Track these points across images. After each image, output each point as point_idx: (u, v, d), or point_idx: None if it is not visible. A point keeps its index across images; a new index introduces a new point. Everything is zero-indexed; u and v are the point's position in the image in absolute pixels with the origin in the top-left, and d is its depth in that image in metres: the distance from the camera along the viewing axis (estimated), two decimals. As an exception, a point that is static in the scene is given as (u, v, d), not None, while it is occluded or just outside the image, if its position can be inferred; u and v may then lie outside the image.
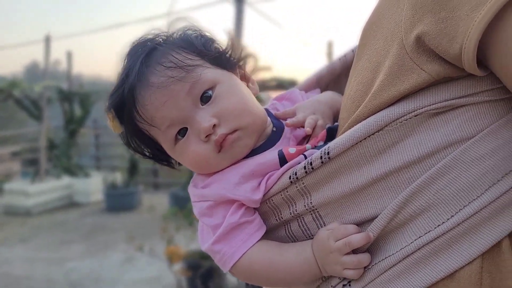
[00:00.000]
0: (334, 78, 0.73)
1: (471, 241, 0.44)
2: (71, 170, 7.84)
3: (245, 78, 0.67)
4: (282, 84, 6.38)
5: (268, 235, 0.58)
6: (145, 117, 0.58)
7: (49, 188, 7.31)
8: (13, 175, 9.36)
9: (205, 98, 0.58)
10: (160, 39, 0.62)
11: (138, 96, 0.58)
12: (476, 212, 0.44)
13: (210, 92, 0.58)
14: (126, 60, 0.61)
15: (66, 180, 7.64)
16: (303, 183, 0.52)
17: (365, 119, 0.48)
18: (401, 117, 0.46)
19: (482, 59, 0.42)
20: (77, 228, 6.14)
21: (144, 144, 0.64)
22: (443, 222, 0.45)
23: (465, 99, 0.45)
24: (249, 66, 0.67)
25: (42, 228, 6.17)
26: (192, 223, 3.75)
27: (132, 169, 7.41)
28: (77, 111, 8.01)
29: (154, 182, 8.98)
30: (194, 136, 0.58)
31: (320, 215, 0.52)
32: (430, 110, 0.45)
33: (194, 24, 0.64)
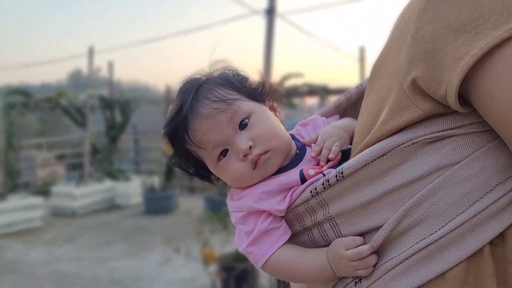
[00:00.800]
0: (352, 104, 0.83)
1: (458, 247, 0.53)
2: (113, 174, 8.19)
3: (273, 108, 0.81)
4: (314, 90, 6.46)
5: (294, 238, 0.71)
6: (195, 141, 0.71)
7: (93, 191, 7.69)
8: (58, 179, 9.88)
9: (242, 125, 0.72)
10: (204, 78, 0.77)
11: (190, 124, 0.70)
12: (462, 224, 0.52)
13: (246, 120, 0.72)
14: (179, 96, 0.76)
15: (108, 183, 8.02)
16: (322, 196, 0.64)
17: (372, 145, 0.59)
18: (401, 144, 0.56)
19: (466, 99, 0.53)
20: (118, 229, 6.45)
21: (191, 164, 0.78)
22: (435, 231, 0.54)
23: (453, 130, 0.54)
24: (275, 99, 0.81)
25: (86, 228, 6.52)
26: (226, 226, 3.86)
27: (169, 173, 7.64)
28: (118, 117, 8.38)
29: (190, 185, 9.21)
30: (234, 156, 0.71)
31: (336, 223, 0.64)
32: (424, 139, 0.55)
33: (231, 65, 0.79)
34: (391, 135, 0.57)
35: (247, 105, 0.73)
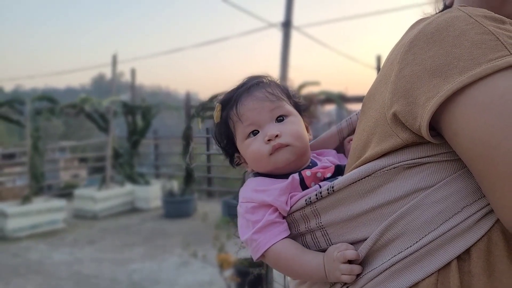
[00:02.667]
0: (353, 128, 0.91)
1: (430, 261, 0.59)
2: (133, 178, 8.36)
3: (307, 126, 0.92)
4: (331, 98, 6.50)
5: None
6: (238, 112, 0.83)
7: (114, 194, 7.88)
8: (81, 181, 10.12)
9: (279, 119, 0.84)
10: (269, 79, 0.90)
11: (242, 99, 0.84)
12: (433, 240, 0.59)
13: (283, 117, 0.84)
14: (242, 82, 0.89)
15: (128, 187, 8.19)
16: (315, 206, 0.72)
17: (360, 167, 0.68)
18: (384, 168, 0.63)
19: (439, 131, 0.60)
20: (138, 232, 6.59)
21: (225, 136, 0.89)
22: (411, 246, 0.60)
23: (429, 158, 0.61)
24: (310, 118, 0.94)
25: (107, 231, 6.68)
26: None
27: (188, 178, 7.73)
28: (140, 122, 8.55)
29: (208, 190, 9.30)
30: (261, 138, 0.81)
31: (327, 232, 0.72)
32: (404, 164, 0.62)
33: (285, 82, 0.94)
34: (376, 159, 0.65)
35: (289, 108, 0.86)
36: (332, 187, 0.68)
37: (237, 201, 0.85)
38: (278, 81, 0.90)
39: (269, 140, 0.80)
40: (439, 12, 0.70)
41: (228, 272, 3.68)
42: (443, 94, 0.55)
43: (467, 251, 0.59)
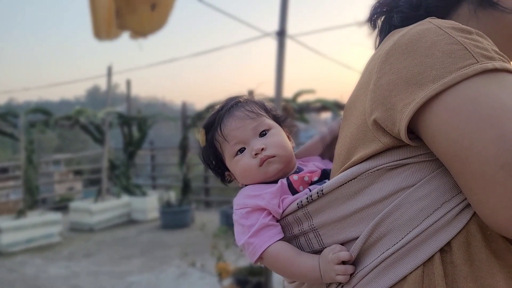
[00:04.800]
0: (334, 135, 0.97)
1: (416, 255, 0.65)
2: (130, 190, 8.32)
3: (288, 136, 0.97)
4: (326, 105, 6.52)
5: None
6: (223, 133, 0.88)
7: (110, 206, 7.82)
8: (76, 194, 10.05)
9: (262, 134, 0.89)
10: (246, 97, 0.95)
11: (224, 120, 0.89)
12: (417, 235, 0.64)
13: (266, 131, 0.89)
14: (222, 103, 0.94)
15: (125, 198, 8.14)
16: (307, 209, 0.76)
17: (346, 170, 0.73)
18: (368, 170, 0.69)
19: (417, 135, 0.65)
20: (136, 244, 6.54)
21: (213, 157, 0.94)
22: (397, 242, 0.66)
23: (409, 159, 0.67)
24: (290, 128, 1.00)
25: (104, 243, 6.63)
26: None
27: (185, 188, 7.73)
28: (136, 134, 8.54)
29: (206, 200, 9.29)
30: (248, 154, 0.86)
31: (319, 234, 0.75)
32: (386, 166, 0.67)
33: (262, 98, 1.00)
34: (360, 162, 0.70)
35: (269, 121, 0.91)
36: (322, 190, 0.72)
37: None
38: (254, 99, 0.96)
39: (256, 154, 0.85)
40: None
41: (227, 281, 3.67)
42: (419, 101, 0.60)
43: (449, 244, 0.63)
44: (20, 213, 6.64)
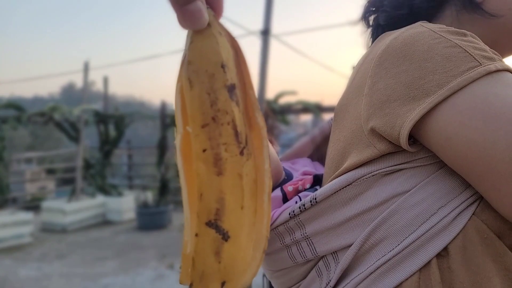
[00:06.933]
0: (326, 137, 0.95)
1: (412, 261, 0.63)
2: (105, 189, 8.15)
3: (270, 139, 0.89)
4: (308, 108, 6.54)
5: (275, 254, 0.79)
6: None
7: (85, 207, 7.62)
8: (48, 194, 9.78)
9: None
10: None
11: None
12: (413, 241, 0.63)
13: None
14: None
15: (100, 199, 7.95)
16: (299, 218, 0.73)
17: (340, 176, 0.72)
18: (363, 176, 0.67)
19: (416, 140, 0.64)
20: (111, 245, 6.39)
21: None
22: (393, 249, 0.65)
23: (404, 165, 0.66)
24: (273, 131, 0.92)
25: (77, 245, 6.45)
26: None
27: (163, 188, 7.63)
28: (112, 132, 8.38)
29: (183, 201, 9.17)
30: None
31: (312, 242, 0.73)
32: (381, 172, 0.66)
33: None
34: (355, 168, 0.69)
35: None
36: (315, 198, 0.70)
37: None
38: None
39: None
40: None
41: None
42: (425, 106, 0.59)
43: (445, 249, 0.62)
44: (-11, 213, 6.39)
